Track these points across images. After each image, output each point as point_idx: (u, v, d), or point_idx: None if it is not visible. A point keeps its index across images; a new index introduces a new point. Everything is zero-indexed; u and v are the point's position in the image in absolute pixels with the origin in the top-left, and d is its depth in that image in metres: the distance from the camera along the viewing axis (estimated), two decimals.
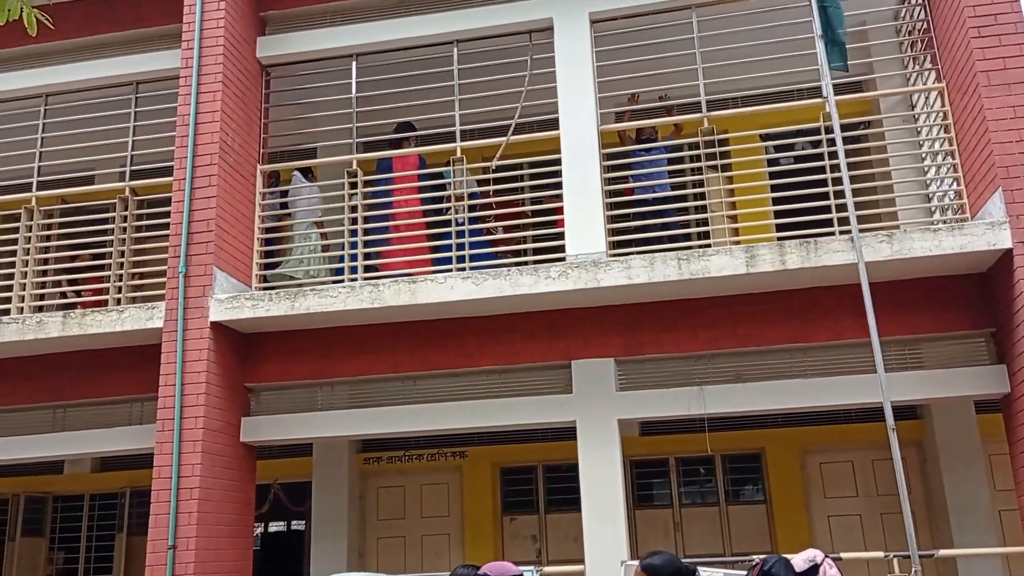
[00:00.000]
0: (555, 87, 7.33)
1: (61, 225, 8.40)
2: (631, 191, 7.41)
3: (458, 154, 7.44)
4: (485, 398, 7.17)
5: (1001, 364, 6.29)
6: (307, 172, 8.29)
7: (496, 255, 7.70)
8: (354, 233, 7.44)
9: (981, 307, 6.47)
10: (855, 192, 6.37)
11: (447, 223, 7.36)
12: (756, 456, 9.49)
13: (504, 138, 7.38)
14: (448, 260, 7.23)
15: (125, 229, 7.72)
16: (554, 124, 7.30)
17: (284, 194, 8.14)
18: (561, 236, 6.99)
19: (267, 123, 8.02)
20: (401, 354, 7.27)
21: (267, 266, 7.80)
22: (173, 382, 6.75)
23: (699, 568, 4.08)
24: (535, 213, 7.85)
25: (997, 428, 6.77)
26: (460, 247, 7.22)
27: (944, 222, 6.89)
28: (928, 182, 7.34)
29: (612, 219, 7.10)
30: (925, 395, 6.62)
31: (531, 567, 6.54)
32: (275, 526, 12.86)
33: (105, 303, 7.53)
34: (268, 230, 7.90)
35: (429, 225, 7.69)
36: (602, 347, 6.97)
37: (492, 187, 7.67)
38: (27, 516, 10.60)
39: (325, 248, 7.91)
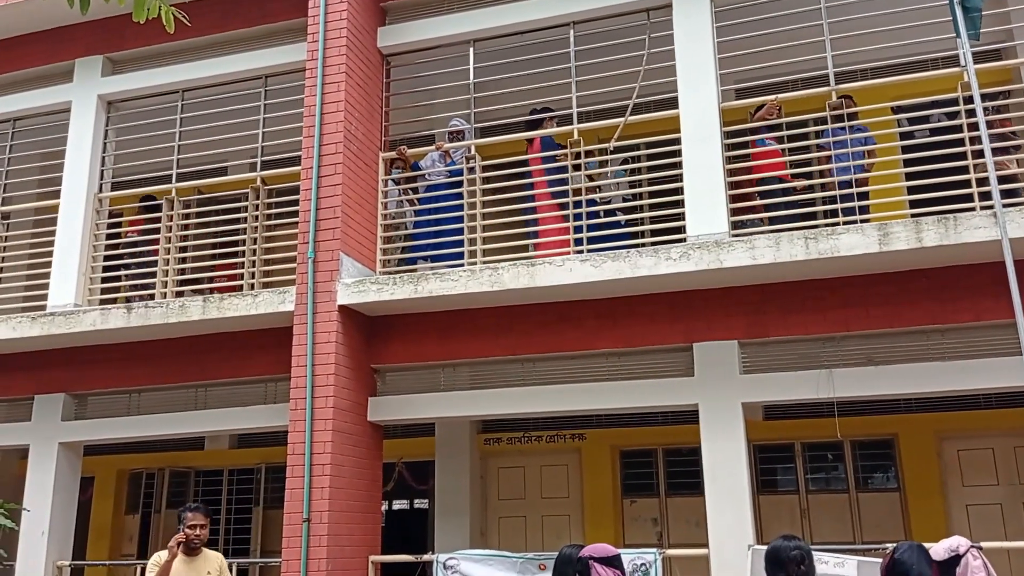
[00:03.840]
0: (673, 66, 7.20)
1: (199, 215, 8.85)
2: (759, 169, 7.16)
3: (575, 136, 7.43)
4: (605, 380, 7.16)
5: None
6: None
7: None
8: (473, 217, 7.53)
9: None
10: (997, 165, 6.02)
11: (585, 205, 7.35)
12: (888, 442, 9.14)
13: (622, 119, 7.31)
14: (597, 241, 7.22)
15: (257, 217, 8.06)
16: (673, 103, 7.18)
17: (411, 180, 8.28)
18: (681, 217, 6.89)
19: (388, 111, 8.20)
20: (520, 336, 7.33)
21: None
22: (304, 363, 7.02)
23: (825, 554, 3.98)
24: (653, 194, 7.75)
25: None
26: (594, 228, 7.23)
27: None
28: None
29: (735, 199, 6.94)
30: None
31: (653, 550, 6.52)
32: (399, 504, 13.22)
33: (240, 288, 7.90)
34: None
35: (562, 207, 7.65)
36: (725, 329, 6.83)
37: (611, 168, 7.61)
38: (171, 490, 11.29)
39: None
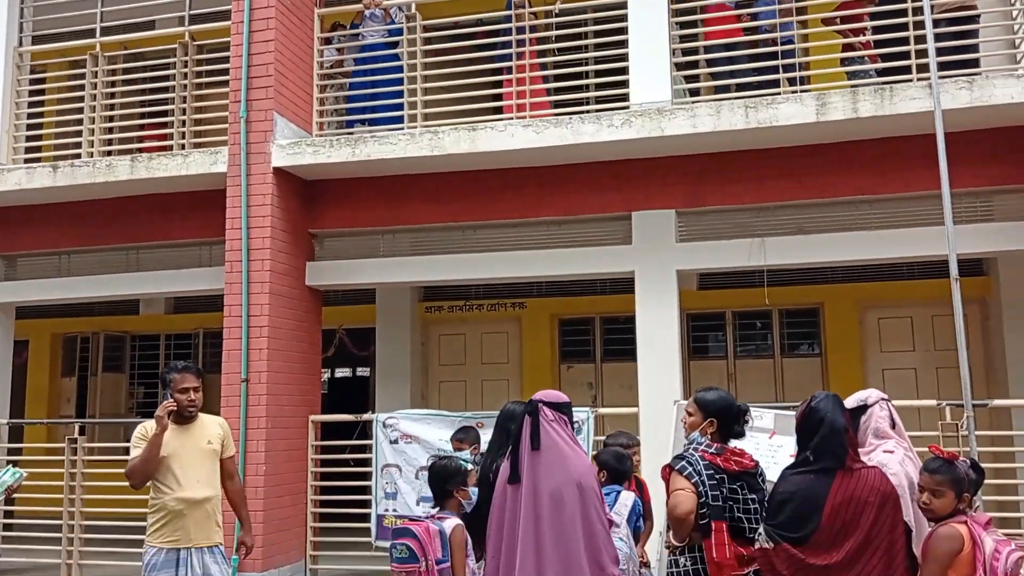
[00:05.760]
0: None
1: (125, 71, 8.46)
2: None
3: None
4: (545, 248, 7.23)
5: None
6: None
7: None
8: (413, 80, 7.34)
9: None
10: (936, 37, 6.04)
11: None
12: (814, 311, 9.49)
13: None
14: None
15: (187, 75, 7.74)
16: None
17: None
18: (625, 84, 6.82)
19: None
20: (462, 203, 7.31)
21: None
22: (239, 225, 6.93)
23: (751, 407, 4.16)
24: (599, 60, 7.63)
25: None
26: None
27: None
28: (1016, 27, 6.91)
29: (679, 67, 6.87)
30: (994, 248, 6.48)
31: (586, 408, 6.76)
32: (341, 372, 13.40)
33: (170, 148, 7.67)
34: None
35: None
36: (664, 198, 6.90)
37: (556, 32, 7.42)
38: (107, 354, 11.25)
39: None
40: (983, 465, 3.86)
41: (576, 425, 6.46)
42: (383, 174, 7.35)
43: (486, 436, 6.65)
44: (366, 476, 7.18)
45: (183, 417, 4.53)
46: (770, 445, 4.97)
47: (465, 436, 5.53)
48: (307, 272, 7.49)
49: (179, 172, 7.26)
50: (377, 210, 7.47)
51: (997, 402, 6.80)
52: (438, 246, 7.51)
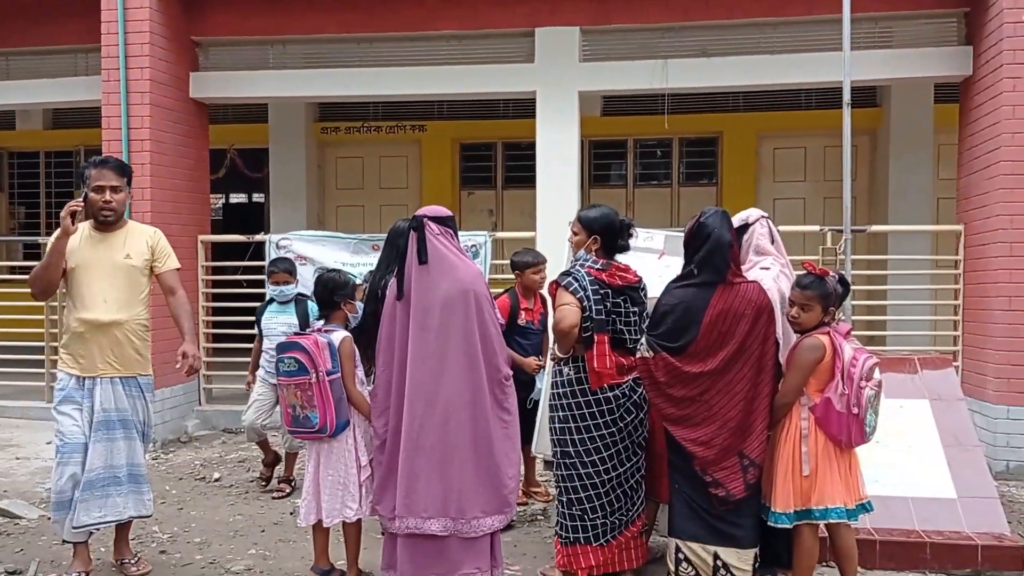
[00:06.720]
0: None
1: None
2: None
3: None
4: (446, 64, 6.98)
5: (968, 46, 6.20)
6: None
7: None
8: None
9: None
10: None
11: None
12: (713, 140, 9.57)
13: None
14: None
15: None
16: None
17: None
18: None
19: None
20: (358, 12, 6.93)
21: None
22: (116, 30, 6.44)
23: (639, 228, 4.20)
24: None
25: (952, 118, 6.79)
26: None
27: None
28: None
29: None
30: (889, 75, 6.55)
31: (484, 232, 6.76)
32: (236, 198, 12.99)
33: None
34: None
35: None
36: (569, 14, 6.69)
37: None
38: None
39: None
40: (859, 287, 4.02)
41: (474, 249, 6.54)
42: None
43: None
44: (260, 298, 7.08)
45: (100, 223, 3.85)
46: (659, 265, 5.07)
47: (290, 267, 5.40)
48: (191, 83, 7.07)
49: None
50: (264, 17, 7.02)
51: (875, 227, 7.08)
52: (333, 60, 7.16)
